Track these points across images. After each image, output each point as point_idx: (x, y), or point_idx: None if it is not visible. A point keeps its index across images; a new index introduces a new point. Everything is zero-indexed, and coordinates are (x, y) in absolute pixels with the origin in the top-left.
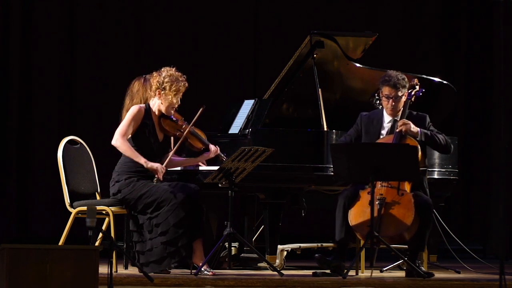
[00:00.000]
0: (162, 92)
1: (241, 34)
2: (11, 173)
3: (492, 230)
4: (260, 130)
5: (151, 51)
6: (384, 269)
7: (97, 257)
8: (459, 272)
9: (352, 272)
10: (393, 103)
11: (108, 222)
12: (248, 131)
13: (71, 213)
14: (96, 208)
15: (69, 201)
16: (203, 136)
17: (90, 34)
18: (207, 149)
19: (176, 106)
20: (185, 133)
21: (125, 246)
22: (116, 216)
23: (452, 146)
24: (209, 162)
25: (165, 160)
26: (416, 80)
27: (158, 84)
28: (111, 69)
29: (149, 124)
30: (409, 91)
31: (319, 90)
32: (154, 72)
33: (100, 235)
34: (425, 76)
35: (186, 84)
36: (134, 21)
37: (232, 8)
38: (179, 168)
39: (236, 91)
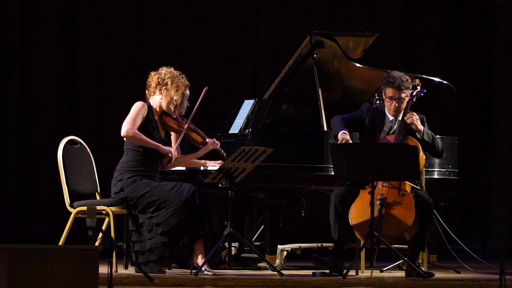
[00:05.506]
0: (164, 88)
1: (241, 34)
2: (11, 173)
3: (492, 230)
4: (260, 130)
5: (151, 51)
6: (384, 269)
7: (97, 257)
8: (459, 272)
9: (352, 272)
10: (396, 105)
11: (108, 222)
12: (248, 131)
13: (71, 213)
14: (96, 208)
15: (69, 201)
16: (200, 131)
17: (90, 34)
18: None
19: (181, 104)
20: (185, 128)
21: (125, 246)
22: (116, 216)
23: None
24: (210, 158)
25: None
26: (417, 81)
27: (159, 80)
28: (111, 69)
29: (153, 120)
30: (411, 91)
31: (319, 90)
32: (151, 72)
33: (100, 235)
34: (425, 76)
35: (186, 82)
36: (134, 21)
37: (232, 8)
38: (183, 168)
39: (236, 91)
